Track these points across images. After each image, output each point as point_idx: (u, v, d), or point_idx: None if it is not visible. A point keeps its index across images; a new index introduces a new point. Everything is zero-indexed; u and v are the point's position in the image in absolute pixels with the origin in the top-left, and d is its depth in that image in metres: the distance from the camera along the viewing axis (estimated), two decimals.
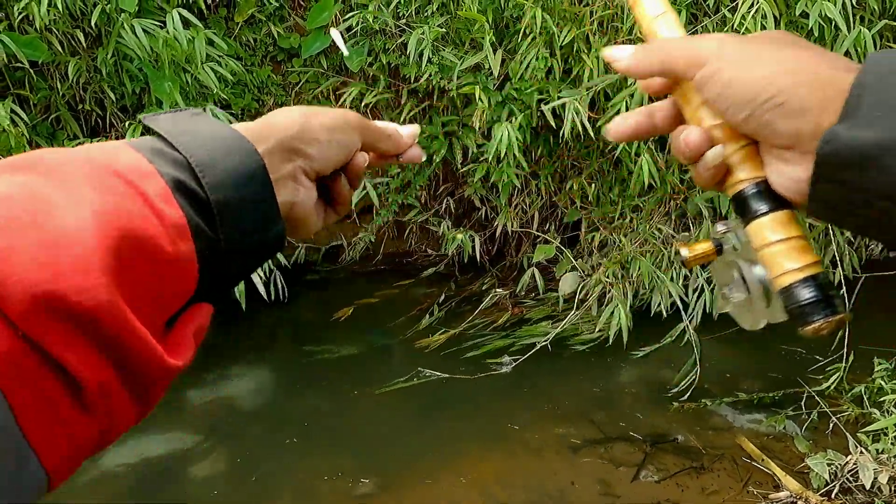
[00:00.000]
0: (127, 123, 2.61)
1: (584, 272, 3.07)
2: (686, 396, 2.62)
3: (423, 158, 0.54)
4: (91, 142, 2.56)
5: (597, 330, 2.87)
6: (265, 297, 2.83)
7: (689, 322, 2.81)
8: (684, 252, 0.44)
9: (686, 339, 2.79)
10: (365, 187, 3.28)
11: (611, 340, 2.80)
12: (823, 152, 0.32)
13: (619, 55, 0.44)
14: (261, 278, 2.77)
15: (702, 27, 2.48)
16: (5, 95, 2.40)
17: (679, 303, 2.81)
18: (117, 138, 2.62)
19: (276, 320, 3.15)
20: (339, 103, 3.22)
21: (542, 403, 2.64)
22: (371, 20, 3.00)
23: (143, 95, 2.66)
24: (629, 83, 2.57)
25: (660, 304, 2.81)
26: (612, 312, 2.80)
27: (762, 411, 2.56)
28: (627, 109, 2.57)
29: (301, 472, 2.30)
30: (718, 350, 2.86)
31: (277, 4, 3.10)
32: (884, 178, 0.30)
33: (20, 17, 2.30)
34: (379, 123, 0.49)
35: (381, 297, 3.37)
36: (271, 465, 2.34)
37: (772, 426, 2.46)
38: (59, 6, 2.25)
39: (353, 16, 2.98)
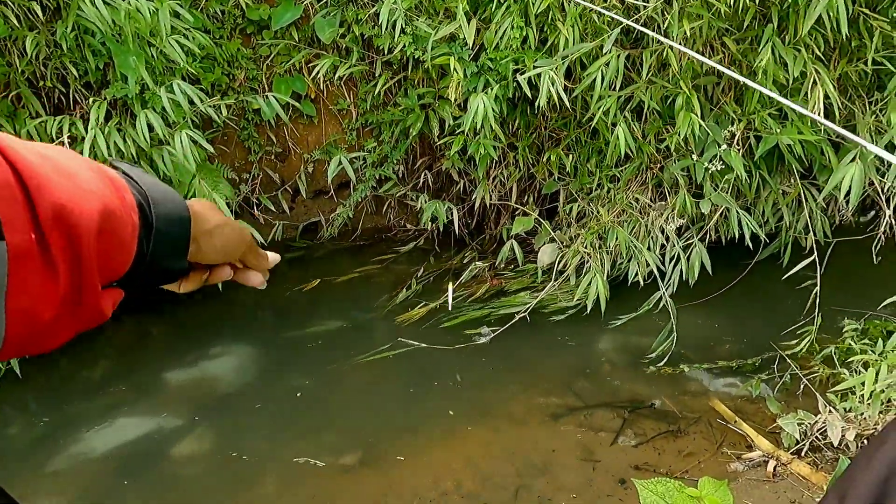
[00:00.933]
0: (91, 100, 2.53)
1: (562, 243, 3.08)
2: (663, 363, 2.67)
3: (263, 287, 0.70)
4: (54, 120, 2.48)
5: (575, 300, 2.90)
6: None
7: (666, 290, 2.85)
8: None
9: (662, 306, 2.83)
10: (341, 163, 3.24)
11: (589, 310, 2.83)
12: None
13: None
14: None
15: None
16: None
17: (656, 271, 2.84)
18: (82, 116, 2.54)
19: (254, 298, 3.13)
20: (312, 76, 3.15)
21: (524, 374, 2.68)
22: None
23: (107, 71, 2.57)
24: (604, 52, 2.55)
25: (637, 273, 2.84)
26: (590, 282, 2.82)
27: (736, 375, 2.63)
28: (603, 79, 2.56)
29: (285, 449, 2.31)
30: (694, 317, 2.92)
31: None
32: None
33: None
34: (259, 249, 0.68)
35: (360, 272, 3.36)
36: (256, 443, 2.35)
37: (746, 390, 2.53)
38: None
39: None
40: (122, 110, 2.58)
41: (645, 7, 2.52)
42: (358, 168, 3.39)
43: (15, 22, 2.33)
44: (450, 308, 2.98)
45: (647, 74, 2.67)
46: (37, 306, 0.40)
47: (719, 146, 2.72)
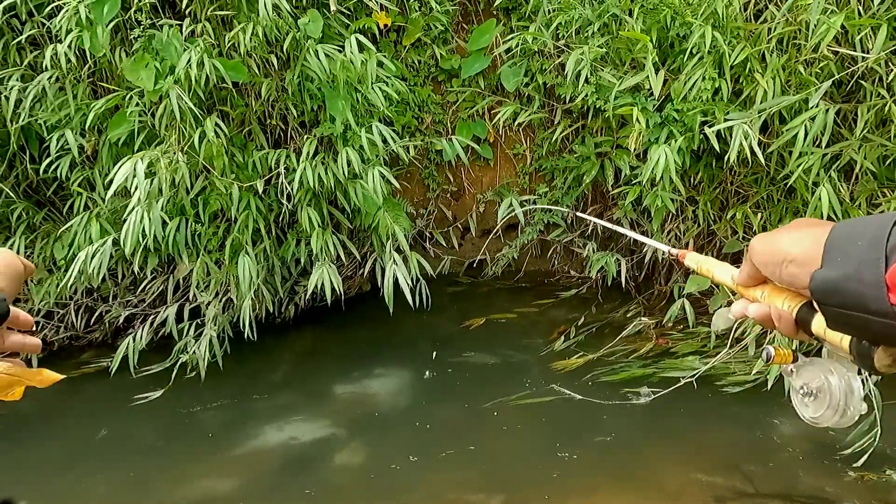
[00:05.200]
0: (304, 137, 2.91)
1: None
2: (861, 462, 2.29)
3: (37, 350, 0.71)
4: (274, 152, 2.88)
5: (753, 372, 2.62)
6: (411, 303, 2.98)
7: (869, 375, 2.46)
8: (771, 351, 0.62)
9: (863, 394, 2.44)
10: (511, 204, 3.33)
11: (769, 386, 2.54)
12: (811, 287, 0.51)
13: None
14: (408, 286, 2.92)
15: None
16: (211, 111, 2.80)
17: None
18: (295, 150, 2.93)
19: (418, 326, 3.30)
20: (493, 122, 3.31)
21: (683, 444, 2.47)
22: (531, 41, 3.05)
23: (319, 112, 2.95)
24: (810, 106, 2.34)
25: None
26: None
27: None
28: (806, 134, 2.34)
29: (431, 475, 2.37)
30: None
31: (442, 28, 3.28)
32: (850, 298, 0.47)
33: (229, 44, 2.68)
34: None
35: (519, 313, 3.38)
36: (404, 464, 2.44)
37: None
38: (260, 34, 2.59)
39: (513, 37, 3.06)
40: (328, 146, 2.93)
41: (864, 58, 2.27)
42: (527, 211, 3.45)
43: (255, 70, 2.78)
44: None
45: (863, 131, 2.39)
46: None
47: None
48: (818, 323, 0.54)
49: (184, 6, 2.69)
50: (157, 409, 2.83)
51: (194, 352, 2.89)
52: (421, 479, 2.37)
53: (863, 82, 2.40)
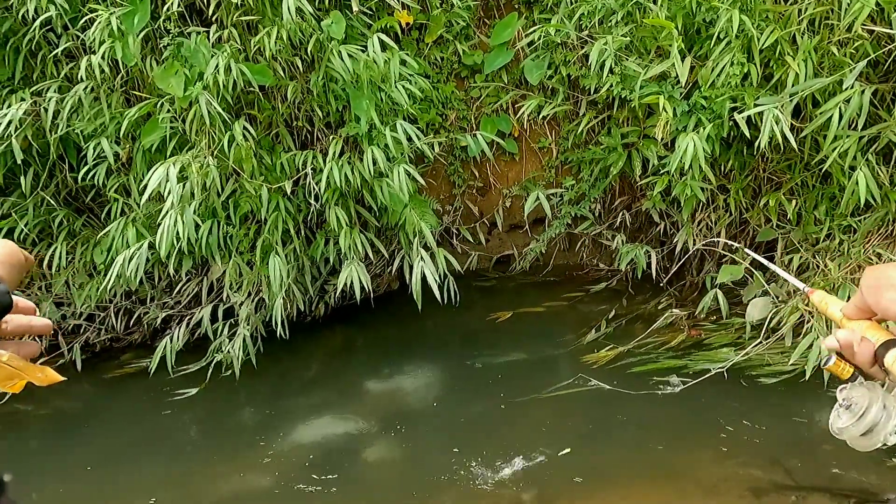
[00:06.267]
0: (330, 138, 2.94)
1: (777, 297, 2.76)
2: None
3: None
4: (301, 154, 2.92)
5: (791, 363, 2.56)
6: (439, 299, 2.99)
7: None
8: (833, 358, 0.65)
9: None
10: (538, 198, 3.31)
11: (807, 376, 2.47)
12: None
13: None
14: (436, 282, 2.93)
15: None
16: (239, 115, 2.86)
17: None
18: (322, 151, 2.97)
19: (447, 322, 3.31)
20: (517, 116, 3.29)
21: (719, 436, 2.42)
22: (553, 33, 3.03)
23: (344, 112, 2.99)
24: (844, 88, 2.27)
25: None
26: (811, 345, 2.47)
27: None
28: (841, 117, 2.27)
29: (465, 471, 2.38)
30: None
31: (464, 24, 3.27)
32: None
33: (254, 49, 2.73)
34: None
35: (548, 307, 3.36)
36: (437, 460, 2.46)
37: None
38: (284, 38, 2.63)
39: (535, 30, 3.04)
40: (353, 146, 2.96)
41: None
42: (554, 205, 3.43)
43: (281, 73, 2.83)
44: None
45: None
46: None
47: None
48: (892, 356, 0.59)
49: (210, 13, 2.75)
50: (195, 407, 2.91)
51: (228, 351, 2.95)
52: (455, 475, 2.38)
53: None
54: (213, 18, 2.77)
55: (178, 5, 2.66)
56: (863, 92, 2.27)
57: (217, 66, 2.54)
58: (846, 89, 2.26)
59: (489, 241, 3.78)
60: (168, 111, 2.73)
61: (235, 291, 3.04)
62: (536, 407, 2.68)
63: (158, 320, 3.29)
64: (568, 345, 3.05)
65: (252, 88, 2.75)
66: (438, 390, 2.91)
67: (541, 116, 3.24)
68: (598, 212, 3.45)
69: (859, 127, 2.36)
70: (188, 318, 3.14)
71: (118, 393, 3.09)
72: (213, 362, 3.01)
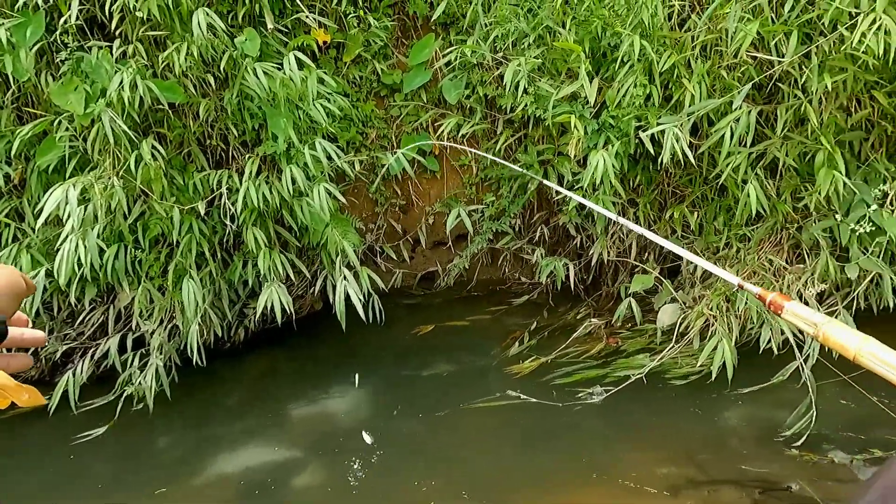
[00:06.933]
0: (246, 157, 2.86)
1: (685, 304, 2.94)
2: (801, 442, 2.41)
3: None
4: (216, 173, 2.82)
5: (698, 365, 2.73)
6: (364, 319, 2.96)
7: (804, 361, 2.60)
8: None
9: (802, 381, 2.58)
10: (459, 215, 3.37)
11: (714, 376, 2.64)
12: None
13: None
14: (360, 301, 2.90)
15: (816, 47, 2.34)
16: (148, 133, 2.72)
17: (792, 340, 2.61)
18: (238, 170, 2.88)
19: (373, 341, 3.27)
20: (437, 134, 3.35)
21: (639, 440, 2.54)
22: (469, 55, 3.11)
23: (260, 131, 2.92)
24: (734, 108, 2.47)
25: (770, 340, 2.62)
26: (716, 347, 2.65)
27: None
28: (732, 135, 2.47)
29: (396, 491, 2.35)
30: (840, 394, 2.62)
31: (382, 43, 3.30)
32: None
33: (163, 65, 2.62)
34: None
35: (472, 321, 3.40)
36: (369, 482, 2.41)
37: None
38: (195, 54, 2.54)
39: (451, 51, 3.11)
40: (271, 165, 2.89)
41: (780, 62, 2.42)
42: (476, 221, 3.49)
43: (192, 91, 2.73)
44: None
45: (783, 130, 2.54)
46: None
47: (868, 206, 2.49)
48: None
49: (113, 27, 2.62)
50: (105, 446, 2.70)
51: (140, 383, 2.78)
52: (386, 496, 2.34)
53: (780, 84, 2.56)
54: (117, 33, 2.64)
55: (77, 18, 2.51)
56: (750, 112, 2.48)
57: (121, 82, 2.41)
58: (735, 109, 2.47)
59: (413, 258, 3.79)
60: (67, 129, 2.57)
61: (146, 319, 2.87)
62: (464, 420, 2.70)
63: (58, 354, 3.04)
64: (493, 357, 3.09)
65: (161, 106, 2.64)
66: (367, 409, 2.87)
67: (460, 135, 3.30)
68: (518, 227, 3.54)
69: (748, 144, 2.57)
70: (93, 349, 2.93)
71: (14, 438, 2.82)
72: (123, 396, 2.82)
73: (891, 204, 2.50)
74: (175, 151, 2.85)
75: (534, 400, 2.74)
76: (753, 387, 2.67)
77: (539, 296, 3.57)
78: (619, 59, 2.66)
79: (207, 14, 2.48)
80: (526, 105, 2.92)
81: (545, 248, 3.45)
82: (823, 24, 2.33)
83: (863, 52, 2.20)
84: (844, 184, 2.40)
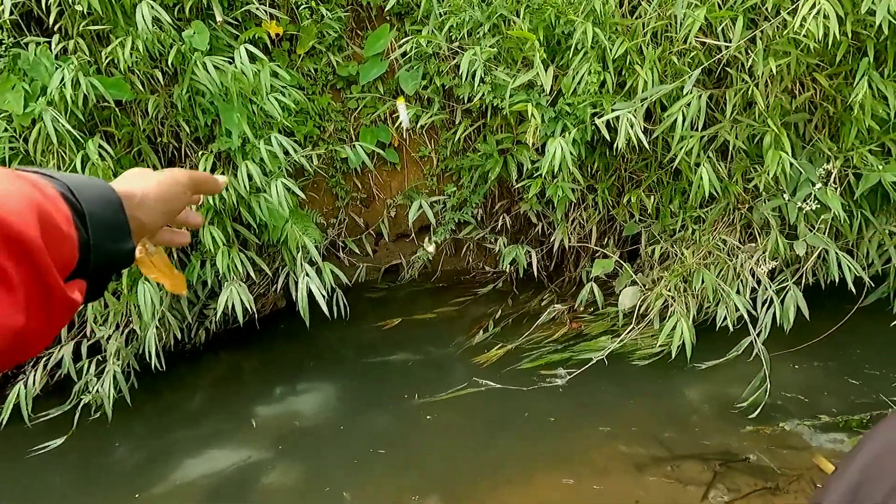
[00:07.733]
0: (199, 153, 2.79)
1: (644, 286, 3.00)
2: (756, 413, 2.50)
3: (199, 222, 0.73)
4: None
5: (658, 345, 2.80)
6: (328, 315, 2.93)
7: (757, 336, 2.70)
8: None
9: (754, 354, 2.68)
10: (421, 207, 3.36)
11: (673, 355, 2.72)
12: None
13: None
14: (324, 297, 2.87)
15: (761, 32, 2.41)
16: (94, 132, 2.62)
17: (746, 316, 2.70)
18: (192, 168, 2.81)
19: (338, 337, 3.25)
20: (396, 126, 3.32)
21: (604, 420, 2.59)
22: (425, 45, 3.09)
23: (213, 127, 2.84)
24: (685, 93, 2.53)
25: (725, 317, 2.71)
26: (675, 326, 2.72)
27: (843, 431, 2.42)
28: (684, 119, 2.53)
29: (365, 485, 2.35)
30: (791, 365, 2.73)
31: (336, 35, 3.25)
32: None
33: (107, 61, 2.53)
34: (201, 173, 0.69)
35: (438, 313, 3.41)
36: (338, 479, 2.40)
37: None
38: (141, 49, 2.46)
39: (407, 41, 3.09)
40: (226, 161, 2.83)
41: (727, 47, 2.48)
42: (438, 212, 3.49)
43: (140, 87, 2.64)
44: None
45: (732, 114, 2.62)
46: (4, 319, 0.41)
47: (813, 185, 2.59)
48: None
49: (52, 22, 2.50)
50: (64, 457, 2.62)
51: (97, 390, 2.69)
52: (355, 491, 2.34)
53: (728, 69, 2.63)
54: (56, 28, 2.53)
55: (11, 13, 2.40)
56: (700, 96, 2.54)
57: (63, 79, 2.32)
58: (686, 94, 2.52)
59: (377, 251, 3.77)
60: (6, 130, 2.45)
61: (101, 325, 2.78)
62: (434, 411, 2.71)
63: None
64: (459, 347, 3.11)
65: (107, 103, 2.54)
66: (334, 405, 2.85)
67: (419, 125, 3.29)
68: (480, 216, 3.56)
69: (700, 128, 2.64)
70: (45, 358, 2.83)
71: None
72: (81, 405, 2.73)
73: (834, 182, 2.60)
74: (124, 150, 2.76)
75: (499, 387, 2.77)
76: (711, 362, 2.76)
77: (504, 284, 3.60)
78: (573, 46, 2.69)
79: (152, 7, 2.40)
80: (483, 94, 2.93)
81: (507, 237, 3.48)
82: (767, 9, 2.40)
83: (804, 36, 2.28)
84: (791, 164, 2.49)
